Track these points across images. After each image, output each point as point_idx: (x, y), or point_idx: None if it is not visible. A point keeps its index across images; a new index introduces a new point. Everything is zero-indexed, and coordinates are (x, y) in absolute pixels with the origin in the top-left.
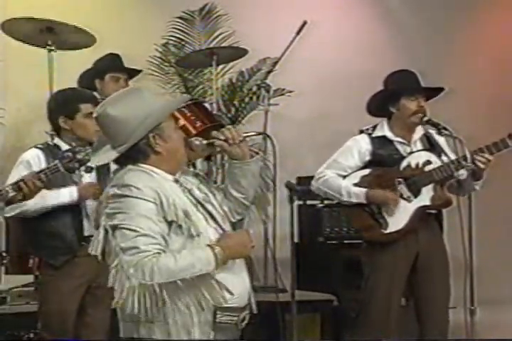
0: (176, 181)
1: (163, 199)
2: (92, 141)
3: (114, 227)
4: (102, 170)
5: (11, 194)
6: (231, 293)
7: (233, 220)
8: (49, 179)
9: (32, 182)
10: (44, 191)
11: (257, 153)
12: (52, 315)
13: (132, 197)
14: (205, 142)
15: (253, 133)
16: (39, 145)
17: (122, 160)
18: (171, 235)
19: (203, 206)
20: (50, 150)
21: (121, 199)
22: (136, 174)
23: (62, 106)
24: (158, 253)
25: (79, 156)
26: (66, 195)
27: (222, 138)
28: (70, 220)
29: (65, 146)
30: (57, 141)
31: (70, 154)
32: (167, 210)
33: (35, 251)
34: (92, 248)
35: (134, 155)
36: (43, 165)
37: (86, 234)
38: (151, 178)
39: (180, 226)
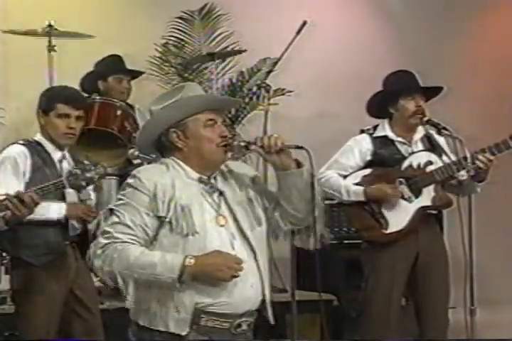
0: (201, 180)
1: (158, 194)
2: (60, 142)
3: (110, 210)
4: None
5: (8, 209)
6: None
7: (284, 228)
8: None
9: (30, 197)
10: None
11: (299, 166)
12: (35, 317)
13: (132, 187)
14: (242, 144)
15: (292, 145)
16: (21, 142)
17: (158, 152)
18: (161, 231)
19: (229, 208)
20: (33, 147)
21: (126, 187)
22: (154, 166)
23: (42, 101)
24: (128, 242)
25: (88, 175)
26: (55, 211)
27: (260, 144)
28: (54, 220)
29: (46, 143)
30: (38, 137)
31: (78, 171)
32: (159, 205)
33: (13, 250)
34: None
35: (159, 148)
36: (29, 163)
37: (71, 233)
38: (165, 172)
39: (170, 223)
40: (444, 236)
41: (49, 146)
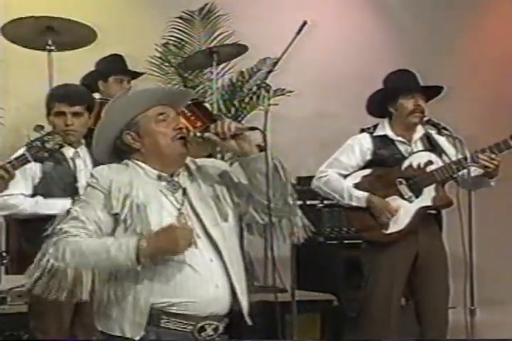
0: (161, 178)
1: (113, 191)
2: (64, 140)
3: (67, 212)
4: None
5: None
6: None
7: (261, 221)
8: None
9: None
10: (40, 199)
11: (262, 150)
12: (47, 314)
13: (89, 185)
14: (198, 134)
15: (245, 128)
16: None
17: (115, 157)
18: (117, 229)
19: (192, 206)
20: None
21: (86, 188)
22: (114, 165)
23: (45, 102)
24: (79, 236)
25: (48, 145)
26: (58, 207)
27: (213, 131)
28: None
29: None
30: None
31: (38, 143)
32: (114, 202)
33: (33, 250)
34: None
35: (117, 152)
36: (39, 162)
37: None
38: (124, 171)
39: (125, 222)
40: (443, 236)
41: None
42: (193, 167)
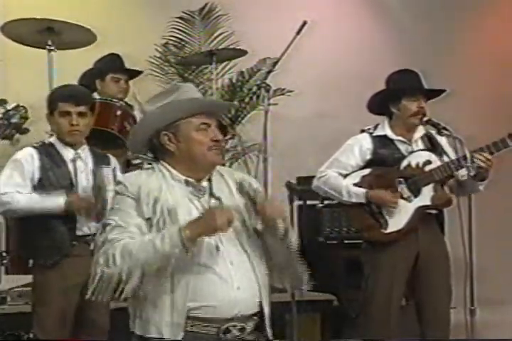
0: (188, 183)
1: (142, 196)
2: (67, 140)
3: (103, 225)
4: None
5: None
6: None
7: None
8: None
9: None
10: (33, 195)
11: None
12: (47, 317)
13: (119, 193)
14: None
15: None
16: (34, 144)
17: (151, 153)
18: (151, 232)
19: None
20: (45, 149)
21: (116, 196)
22: (140, 172)
23: (47, 102)
24: (125, 239)
25: (13, 120)
26: (53, 201)
27: (259, 207)
28: (62, 219)
29: (58, 144)
30: (53, 139)
31: (5, 121)
32: (144, 207)
33: (25, 252)
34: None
35: (153, 151)
36: (36, 164)
37: (79, 233)
38: (151, 175)
39: (158, 226)
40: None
41: (60, 146)
42: (229, 179)
